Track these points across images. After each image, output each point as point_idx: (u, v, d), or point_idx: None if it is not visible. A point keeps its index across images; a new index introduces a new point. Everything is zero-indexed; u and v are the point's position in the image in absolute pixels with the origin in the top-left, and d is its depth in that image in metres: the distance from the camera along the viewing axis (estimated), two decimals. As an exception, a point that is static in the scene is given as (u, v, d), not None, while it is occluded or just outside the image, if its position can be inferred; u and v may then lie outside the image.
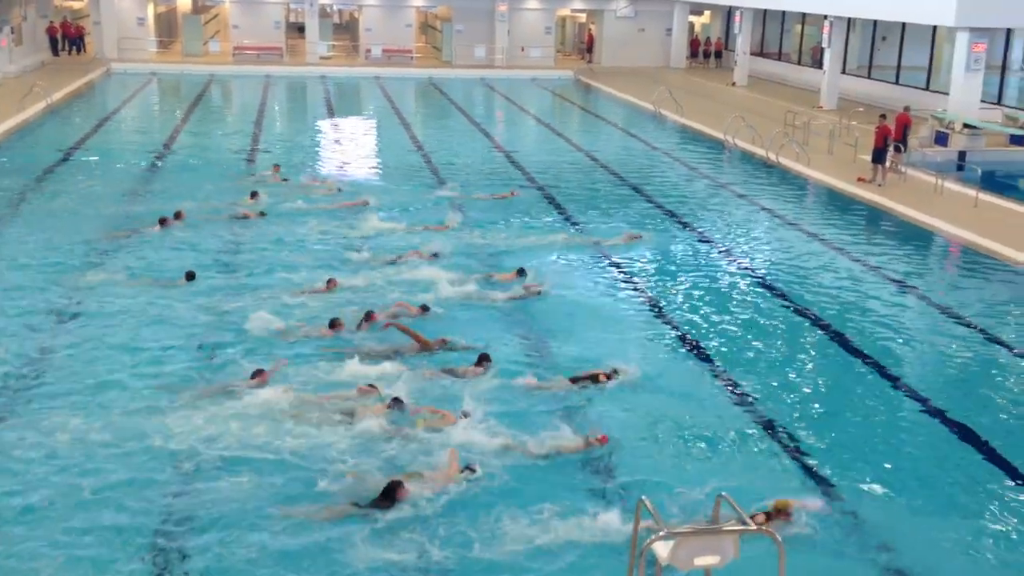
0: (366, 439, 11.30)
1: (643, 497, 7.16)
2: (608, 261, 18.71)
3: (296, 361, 13.35)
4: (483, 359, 13.23)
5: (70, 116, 33.89)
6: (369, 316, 14.62)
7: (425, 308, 15.24)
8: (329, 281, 16.32)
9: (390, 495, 9.97)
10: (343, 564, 9.13)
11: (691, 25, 54.52)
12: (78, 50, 48.90)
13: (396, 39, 50.89)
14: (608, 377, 12.97)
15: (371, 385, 12.41)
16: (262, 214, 20.83)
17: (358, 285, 16.50)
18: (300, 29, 55.19)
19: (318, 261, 17.92)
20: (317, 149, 30.26)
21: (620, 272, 18.17)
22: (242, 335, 14.27)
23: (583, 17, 56.30)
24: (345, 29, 63.70)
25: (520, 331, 14.98)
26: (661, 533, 6.65)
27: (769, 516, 9.63)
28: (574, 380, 12.89)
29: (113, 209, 21.37)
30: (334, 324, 14.39)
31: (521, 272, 17.15)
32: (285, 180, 24.21)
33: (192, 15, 53.11)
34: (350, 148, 30.33)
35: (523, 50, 51.10)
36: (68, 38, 48.73)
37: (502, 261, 18.20)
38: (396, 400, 11.96)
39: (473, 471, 10.44)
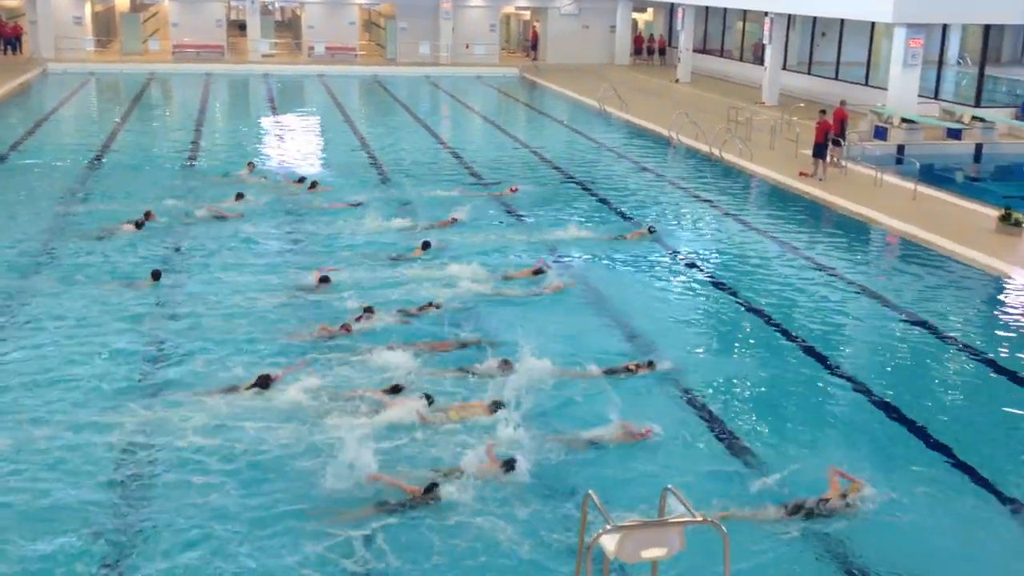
0: (397, 436, 11.31)
1: (590, 491, 7.19)
2: (621, 255, 18.96)
3: (309, 361, 13.33)
4: (505, 362, 13.21)
5: (6, 117, 33.15)
6: (368, 310, 14.63)
7: (431, 305, 15.25)
8: (322, 279, 16.24)
9: (428, 495, 9.96)
10: (370, 564, 9.09)
11: (634, 22, 54.81)
12: (14, 50, 47.89)
13: (339, 36, 50.53)
14: (639, 368, 13.22)
15: (396, 386, 12.39)
16: (239, 214, 20.62)
17: (363, 282, 16.49)
18: (241, 27, 54.62)
19: (310, 260, 17.83)
20: (263, 148, 29.91)
21: (632, 265, 18.48)
22: (244, 336, 14.23)
23: (527, 14, 56.36)
24: (287, 27, 63.14)
25: (539, 327, 14.94)
26: (608, 527, 6.68)
27: (845, 497, 10.09)
28: (610, 371, 13.15)
29: (56, 210, 21.01)
30: (345, 326, 14.30)
31: (539, 271, 17.24)
32: (264, 179, 24.08)
33: (131, 13, 52.32)
34: (302, 146, 30.04)
35: (468, 47, 51.03)
36: (4, 37, 47.73)
37: (514, 258, 18.26)
38: (426, 396, 12.02)
39: (513, 467, 10.47)
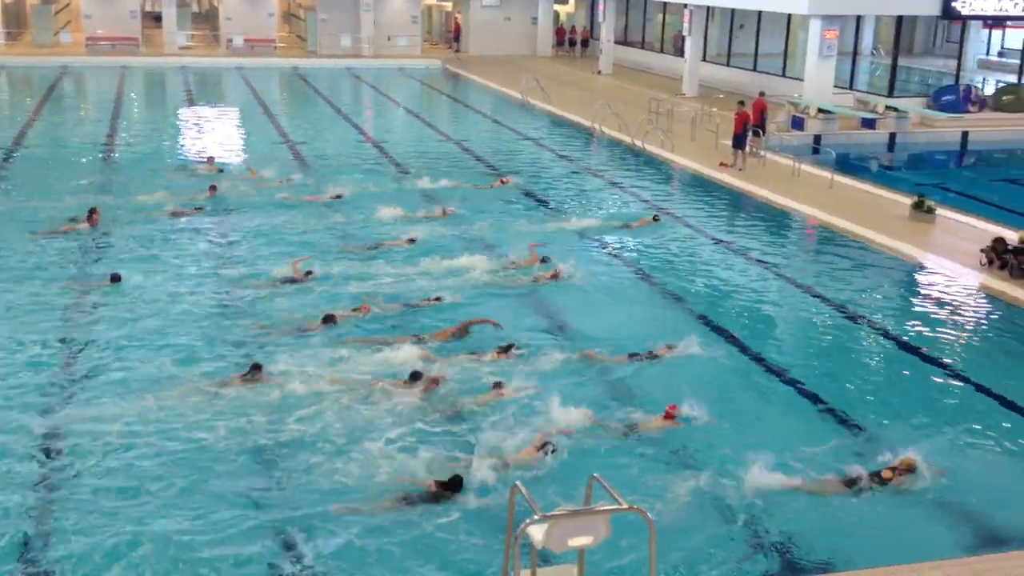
0: (415, 422, 11.35)
1: (517, 483, 7.24)
2: (625, 244, 19.30)
3: (313, 351, 13.27)
4: (508, 347, 13.33)
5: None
6: (361, 308, 14.62)
7: (438, 299, 15.26)
8: (306, 272, 16.16)
9: (454, 487, 9.89)
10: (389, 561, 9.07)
11: (556, 14, 55.03)
12: (-82, 42, 46.43)
13: (258, 28, 49.84)
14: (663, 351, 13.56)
15: (414, 373, 12.41)
16: (198, 208, 20.29)
17: (352, 275, 16.46)
18: (157, 18, 53.51)
19: (291, 252, 17.69)
20: (187, 141, 29.41)
21: (639, 254, 18.79)
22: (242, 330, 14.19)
23: (449, 6, 56.22)
24: (204, 18, 62.07)
25: (545, 315, 15.10)
26: (535, 517, 6.72)
27: (895, 471, 10.45)
28: (631, 355, 13.46)
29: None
30: (327, 318, 14.20)
31: (544, 259, 17.34)
32: (220, 171, 23.80)
33: (42, 5, 50.87)
34: (224, 139, 29.52)
35: (389, 39, 50.71)
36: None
37: (513, 247, 18.33)
38: (434, 379, 12.09)
39: (554, 449, 10.63)
